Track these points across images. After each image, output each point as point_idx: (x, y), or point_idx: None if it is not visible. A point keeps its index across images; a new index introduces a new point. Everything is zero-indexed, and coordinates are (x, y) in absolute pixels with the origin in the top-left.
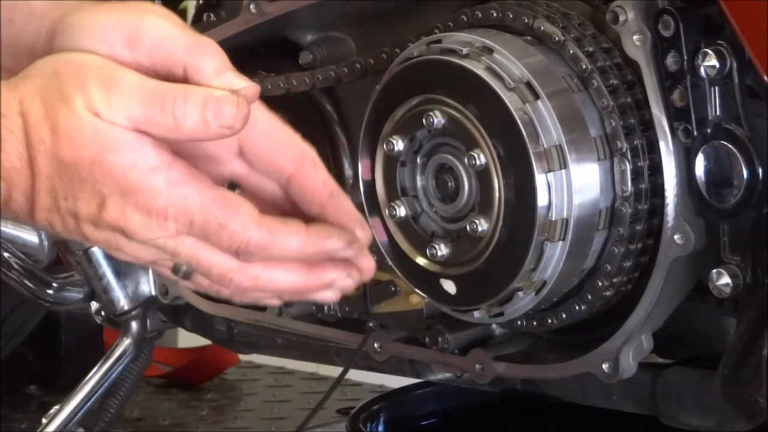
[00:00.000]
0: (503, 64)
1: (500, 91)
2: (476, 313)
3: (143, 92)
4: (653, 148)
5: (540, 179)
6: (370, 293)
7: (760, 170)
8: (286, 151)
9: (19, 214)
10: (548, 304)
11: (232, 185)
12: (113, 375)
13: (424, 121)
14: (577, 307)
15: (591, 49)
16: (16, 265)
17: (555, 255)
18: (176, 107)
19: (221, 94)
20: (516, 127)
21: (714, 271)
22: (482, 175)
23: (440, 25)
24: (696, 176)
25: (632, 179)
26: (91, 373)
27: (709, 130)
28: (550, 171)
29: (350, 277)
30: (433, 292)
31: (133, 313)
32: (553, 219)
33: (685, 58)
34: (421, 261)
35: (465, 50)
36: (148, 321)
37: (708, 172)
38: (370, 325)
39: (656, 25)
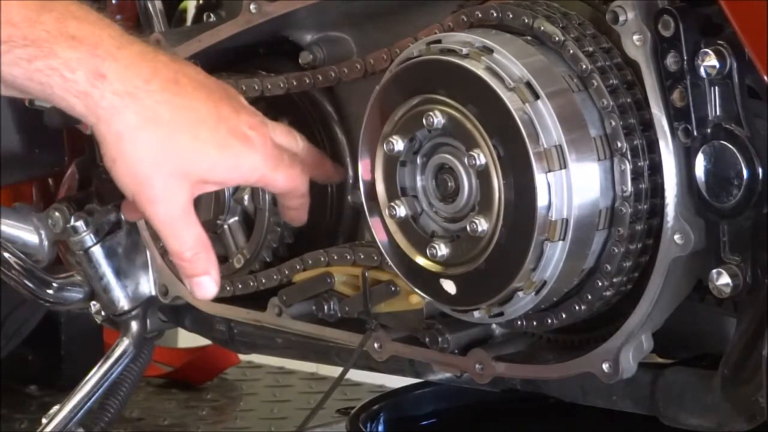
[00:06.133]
0: (503, 64)
1: (500, 91)
2: (476, 313)
3: None
4: (653, 148)
5: (540, 179)
6: (370, 293)
7: (760, 170)
8: None
9: None
10: (548, 304)
11: None
12: (113, 375)
13: (424, 121)
14: (577, 307)
15: (591, 49)
16: (16, 265)
17: (555, 255)
18: None
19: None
20: (516, 127)
21: (714, 271)
22: (482, 175)
23: (440, 25)
24: (696, 176)
25: (632, 179)
26: (91, 373)
27: (709, 130)
28: (550, 171)
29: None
30: (433, 292)
31: (133, 313)
32: (553, 219)
33: (685, 58)
34: (421, 261)
35: (465, 50)
36: (148, 321)
37: (708, 172)
38: (370, 325)
39: (656, 25)
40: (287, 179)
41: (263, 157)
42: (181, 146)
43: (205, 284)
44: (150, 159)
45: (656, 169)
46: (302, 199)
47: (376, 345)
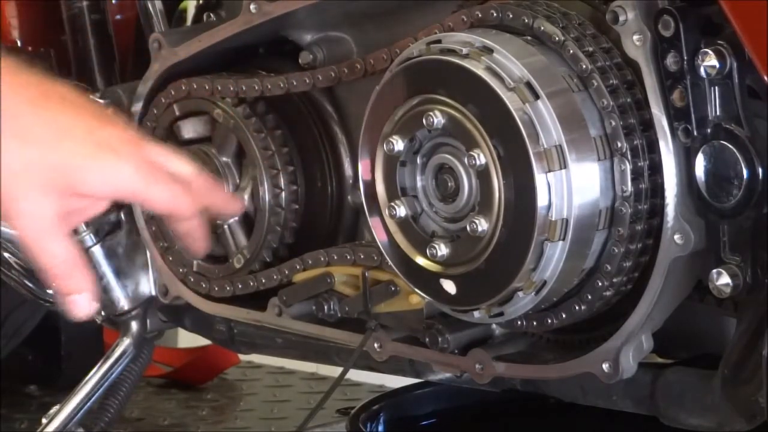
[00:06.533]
0: (503, 64)
1: (500, 91)
2: (476, 313)
3: None
4: (653, 148)
5: (540, 179)
6: (370, 293)
7: (760, 170)
8: None
9: None
10: (548, 304)
11: None
12: (113, 375)
13: (424, 121)
14: (577, 307)
15: (591, 49)
16: (16, 265)
17: (555, 255)
18: None
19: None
20: (516, 127)
21: (714, 271)
22: (482, 175)
23: (440, 25)
24: (696, 176)
25: (632, 179)
26: (91, 373)
27: (709, 130)
28: (550, 171)
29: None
30: (433, 292)
31: (133, 313)
32: (553, 219)
33: (685, 58)
34: (421, 261)
35: (465, 50)
36: (148, 321)
37: (708, 172)
38: (371, 325)
39: (656, 25)
40: (166, 197)
41: (134, 171)
42: (47, 159)
43: (80, 303)
44: (15, 173)
45: (656, 169)
46: (190, 223)
47: (376, 345)
